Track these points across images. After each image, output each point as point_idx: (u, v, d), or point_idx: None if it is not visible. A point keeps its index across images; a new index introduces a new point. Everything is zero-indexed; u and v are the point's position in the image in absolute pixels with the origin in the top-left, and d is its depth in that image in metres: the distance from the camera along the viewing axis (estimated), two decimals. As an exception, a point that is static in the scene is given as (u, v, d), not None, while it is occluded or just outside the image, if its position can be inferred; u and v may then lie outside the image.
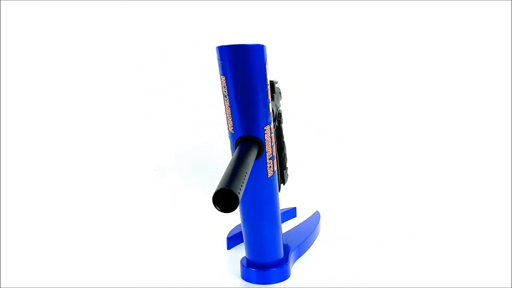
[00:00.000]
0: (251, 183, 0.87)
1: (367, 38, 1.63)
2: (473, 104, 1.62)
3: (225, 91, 0.79)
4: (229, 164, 0.70)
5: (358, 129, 1.62)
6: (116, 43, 1.68)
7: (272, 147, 0.85)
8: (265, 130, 0.83)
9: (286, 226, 1.21)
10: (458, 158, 1.56)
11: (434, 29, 1.63)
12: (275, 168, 0.89)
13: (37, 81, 1.68)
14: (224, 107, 0.81)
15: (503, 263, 1.02)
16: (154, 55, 1.66)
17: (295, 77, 1.58)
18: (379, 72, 1.65)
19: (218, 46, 0.77)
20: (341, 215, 1.32)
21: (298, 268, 1.00)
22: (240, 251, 1.11)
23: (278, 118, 1.10)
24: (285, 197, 1.21)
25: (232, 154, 0.84)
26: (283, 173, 1.11)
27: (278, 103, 1.07)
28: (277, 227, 0.95)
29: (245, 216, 0.93)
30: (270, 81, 1.03)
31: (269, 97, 0.83)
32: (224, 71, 0.77)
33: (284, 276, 0.96)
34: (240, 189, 0.63)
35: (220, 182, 0.63)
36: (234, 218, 1.25)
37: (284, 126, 1.06)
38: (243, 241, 1.12)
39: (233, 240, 1.14)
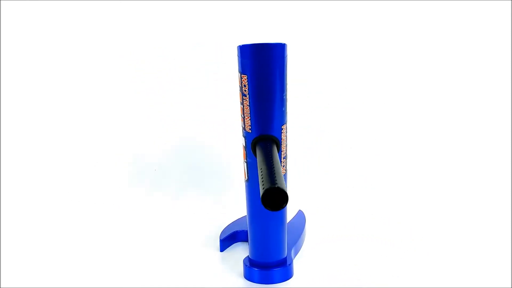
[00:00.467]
0: (256, 185, 0.87)
1: (367, 38, 1.64)
2: (473, 104, 1.63)
3: (245, 90, 0.79)
4: (262, 163, 0.70)
5: (358, 129, 1.63)
6: (116, 43, 1.67)
7: (286, 146, 0.86)
8: (282, 129, 0.84)
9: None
10: (458, 158, 1.56)
11: (434, 29, 1.64)
12: (287, 167, 0.90)
13: (37, 81, 1.67)
14: (242, 106, 0.81)
15: (503, 263, 1.02)
16: (154, 55, 1.65)
17: (295, 77, 1.58)
18: (379, 72, 1.65)
19: (240, 45, 0.77)
20: (341, 215, 1.32)
21: (301, 268, 1.01)
22: (234, 251, 1.11)
23: None
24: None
25: (246, 154, 0.84)
26: None
27: None
28: (284, 227, 0.95)
29: (255, 216, 0.93)
30: None
31: (286, 96, 0.83)
32: (246, 69, 0.77)
33: (287, 275, 0.97)
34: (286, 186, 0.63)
35: (265, 182, 0.63)
36: (228, 217, 1.26)
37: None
38: (235, 242, 1.13)
39: (226, 242, 1.13)
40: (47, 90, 1.68)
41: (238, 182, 1.35)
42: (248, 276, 0.98)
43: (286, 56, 0.79)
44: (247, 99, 0.80)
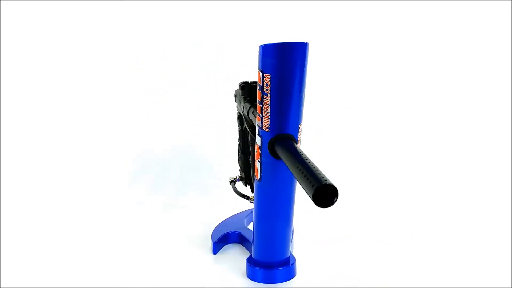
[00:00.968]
0: (277, 183, 0.88)
1: (367, 38, 1.64)
2: (473, 104, 1.63)
3: (266, 89, 0.79)
4: (298, 162, 0.69)
5: (358, 129, 1.63)
6: (116, 43, 1.67)
7: (300, 145, 0.86)
8: (299, 128, 0.84)
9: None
10: (458, 158, 1.56)
11: (433, 29, 1.64)
12: None
13: (37, 81, 1.67)
14: (261, 105, 0.81)
15: (503, 263, 1.02)
16: (154, 55, 1.65)
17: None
18: (379, 72, 1.65)
19: (264, 44, 0.77)
20: (341, 215, 1.32)
21: (303, 268, 1.01)
22: (229, 252, 1.12)
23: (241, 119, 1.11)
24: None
25: (261, 153, 0.84)
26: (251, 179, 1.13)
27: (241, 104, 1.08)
28: (290, 228, 0.96)
29: (265, 216, 0.93)
30: (243, 82, 1.04)
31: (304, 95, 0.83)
32: (269, 68, 0.77)
33: (290, 275, 0.97)
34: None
35: (312, 181, 0.63)
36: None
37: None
38: (226, 244, 1.13)
39: (219, 244, 1.13)
40: (48, 90, 1.68)
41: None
42: (251, 276, 0.98)
43: (307, 54, 0.80)
44: (268, 98, 0.79)
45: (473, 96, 1.63)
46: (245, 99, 1.05)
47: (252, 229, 1.14)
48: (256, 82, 1.05)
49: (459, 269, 1.01)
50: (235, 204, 1.27)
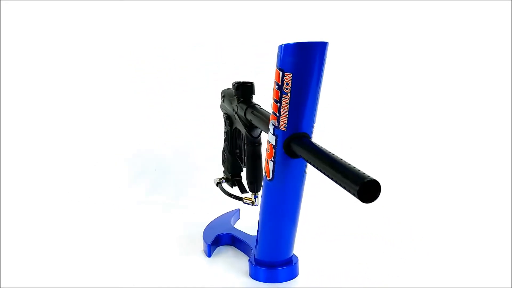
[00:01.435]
0: (289, 182, 0.88)
1: (367, 38, 1.64)
2: (472, 104, 1.64)
3: (286, 88, 0.79)
4: (330, 160, 0.71)
5: (358, 129, 1.63)
6: (116, 43, 1.67)
7: None
8: (313, 127, 0.85)
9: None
10: (458, 158, 1.57)
11: (433, 29, 1.64)
12: None
13: (37, 81, 1.67)
14: (279, 104, 0.81)
15: (503, 263, 1.02)
16: (154, 55, 1.66)
17: None
18: (379, 72, 1.66)
19: (287, 43, 0.78)
20: (341, 215, 1.32)
21: (305, 267, 1.01)
22: (224, 253, 1.12)
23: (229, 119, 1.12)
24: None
25: (275, 153, 0.84)
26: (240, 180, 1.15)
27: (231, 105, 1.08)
28: (296, 227, 0.96)
29: (274, 215, 0.93)
30: (236, 83, 1.04)
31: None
32: (291, 68, 0.77)
33: (292, 275, 0.98)
34: None
35: (355, 177, 0.64)
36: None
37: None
38: (219, 246, 1.13)
39: (213, 247, 1.12)
40: (47, 90, 1.67)
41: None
42: (254, 275, 0.98)
43: (326, 54, 0.80)
44: (288, 97, 0.79)
45: (472, 96, 1.64)
46: (238, 99, 1.06)
47: (239, 229, 1.17)
48: (249, 83, 1.06)
49: (459, 269, 1.02)
50: (235, 204, 1.27)
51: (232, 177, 1.19)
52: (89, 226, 1.30)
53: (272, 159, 0.86)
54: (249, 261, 1.00)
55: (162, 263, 1.08)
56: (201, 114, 1.62)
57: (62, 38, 1.66)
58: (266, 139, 0.97)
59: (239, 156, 1.17)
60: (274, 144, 0.84)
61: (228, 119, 1.15)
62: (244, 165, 1.13)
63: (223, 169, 1.24)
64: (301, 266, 1.01)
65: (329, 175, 0.70)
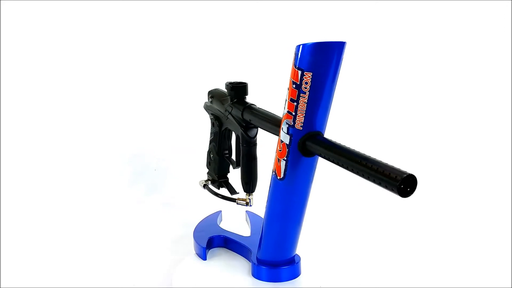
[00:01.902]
0: (300, 181, 0.89)
1: (367, 38, 1.66)
2: (472, 104, 1.68)
3: (305, 87, 0.79)
4: (360, 157, 0.72)
5: (358, 129, 1.65)
6: (117, 43, 1.68)
7: None
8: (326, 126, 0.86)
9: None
10: (457, 158, 1.59)
11: (433, 29, 1.69)
12: None
13: (37, 82, 1.67)
14: (296, 104, 0.81)
15: (503, 263, 1.06)
16: (154, 55, 1.67)
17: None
18: (379, 72, 1.69)
19: (309, 43, 0.78)
20: (341, 215, 1.34)
21: (308, 267, 1.02)
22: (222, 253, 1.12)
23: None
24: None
25: (289, 151, 0.84)
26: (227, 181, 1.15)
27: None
28: (301, 226, 0.96)
29: (281, 215, 0.93)
30: (230, 83, 1.05)
31: None
32: (311, 67, 0.78)
33: (295, 274, 0.98)
34: None
35: (393, 172, 0.65)
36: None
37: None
38: (212, 248, 1.12)
39: (208, 249, 1.11)
40: (47, 90, 1.67)
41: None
42: (256, 274, 0.98)
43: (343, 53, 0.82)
44: (306, 96, 0.80)
45: (471, 96, 1.69)
46: (232, 99, 1.06)
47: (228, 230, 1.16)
48: (243, 83, 1.06)
49: (459, 269, 1.05)
50: (235, 204, 1.26)
51: (218, 178, 1.19)
52: (89, 226, 1.30)
53: (285, 158, 0.86)
54: (251, 261, 1.00)
55: (162, 263, 1.08)
56: (202, 114, 1.61)
57: (62, 38, 1.68)
58: (264, 138, 0.99)
59: (227, 157, 1.17)
60: (288, 143, 0.84)
61: (217, 120, 1.15)
62: (236, 166, 1.13)
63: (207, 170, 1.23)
64: (303, 266, 1.01)
65: (360, 172, 0.71)
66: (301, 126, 0.83)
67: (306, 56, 0.79)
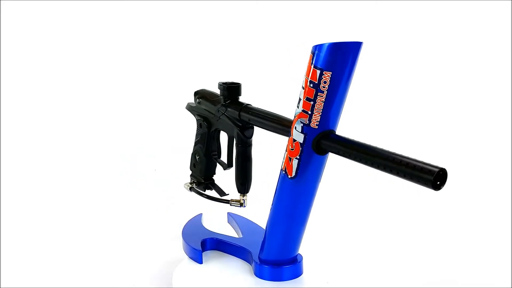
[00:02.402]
0: (311, 180, 0.89)
1: (366, 38, 1.69)
2: (472, 104, 1.71)
3: (323, 86, 0.80)
4: (385, 153, 0.73)
5: (358, 129, 1.65)
6: (118, 43, 1.68)
7: None
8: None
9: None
10: (457, 158, 1.61)
11: (433, 29, 1.73)
12: None
13: (37, 81, 1.67)
14: (313, 102, 0.81)
15: (503, 263, 1.08)
16: (154, 55, 1.67)
17: (295, 76, 1.59)
18: (378, 72, 1.70)
19: (332, 43, 0.79)
20: (342, 214, 1.36)
21: (310, 266, 1.02)
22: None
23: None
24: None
25: (302, 150, 0.85)
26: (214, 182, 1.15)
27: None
28: (306, 226, 0.97)
29: (289, 214, 0.93)
30: (223, 83, 1.05)
31: None
32: (331, 67, 0.79)
33: (297, 273, 0.99)
34: None
35: (425, 167, 0.67)
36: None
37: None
38: (205, 251, 1.11)
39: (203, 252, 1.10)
40: (47, 91, 1.68)
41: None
42: (259, 273, 0.98)
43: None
44: (324, 95, 0.81)
45: (471, 95, 1.72)
46: (225, 100, 1.05)
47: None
48: (236, 83, 1.06)
49: (459, 269, 1.08)
50: (216, 206, 1.25)
51: (205, 180, 1.17)
52: (88, 226, 1.30)
53: (298, 157, 0.87)
54: (253, 260, 1.00)
55: (162, 263, 1.08)
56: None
57: (62, 38, 1.69)
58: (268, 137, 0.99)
59: (216, 158, 1.16)
60: (301, 141, 0.85)
61: (206, 121, 1.13)
62: (227, 167, 1.12)
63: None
64: (305, 265, 1.02)
65: (388, 168, 0.73)
66: (316, 124, 0.84)
67: (325, 56, 0.80)
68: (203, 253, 1.09)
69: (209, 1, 1.66)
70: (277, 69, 1.67)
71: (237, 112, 1.02)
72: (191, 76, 1.64)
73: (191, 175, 1.21)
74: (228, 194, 1.12)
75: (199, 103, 1.15)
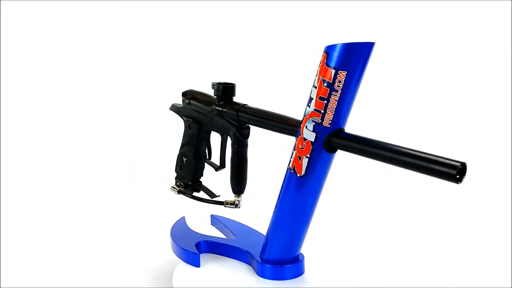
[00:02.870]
0: (320, 178, 0.90)
1: (366, 38, 1.70)
2: (472, 104, 1.73)
3: (338, 86, 0.81)
4: (401, 149, 0.75)
5: (358, 129, 1.66)
6: (119, 43, 1.67)
7: None
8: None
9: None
10: (457, 158, 1.65)
11: (433, 29, 1.75)
12: None
13: (36, 82, 1.67)
14: (326, 102, 0.83)
15: (503, 263, 1.11)
16: (154, 55, 1.66)
17: (296, 76, 1.60)
18: (378, 72, 1.69)
19: (348, 42, 0.80)
20: (347, 213, 1.36)
21: (311, 265, 1.03)
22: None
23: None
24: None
25: (312, 149, 0.85)
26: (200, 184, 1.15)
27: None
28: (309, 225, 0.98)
29: (296, 213, 0.93)
30: (218, 83, 1.06)
31: None
32: (346, 66, 0.81)
33: (299, 272, 0.99)
34: None
35: (446, 161, 0.70)
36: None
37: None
38: (203, 252, 1.10)
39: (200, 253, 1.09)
40: (47, 91, 1.68)
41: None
42: (260, 273, 0.98)
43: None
44: (337, 95, 0.82)
45: (470, 95, 1.75)
46: (219, 100, 1.05)
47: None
48: (230, 83, 1.06)
49: (459, 269, 1.10)
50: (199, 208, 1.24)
51: (193, 182, 1.16)
52: (88, 226, 1.30)
53: (308, 156, 0.87)
54: (254, 260, 1.00)
55: (162, 263, 1.08)
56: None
57: (62, 38, 1.69)
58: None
59: (206, 159, 1.15)
60: (313, 140, 0.86)
61: (196, 122, 1.12)
62: (219, 168, 1.11)
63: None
64: (306, 264, 1.02)
65: (408, 164, 0.75)
66: (329, 123, 0.85)
67: (340, 56, 0.82)
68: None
69: (202, 1, 1.66)
70: (266, 69, 1.70)
71: (235, 113, 1.01)
72: (191, 76, 1.63)
73: (176, 178, 1.18)
74: (219, 196, 1.11)
75: (188, 103, 1.13)
